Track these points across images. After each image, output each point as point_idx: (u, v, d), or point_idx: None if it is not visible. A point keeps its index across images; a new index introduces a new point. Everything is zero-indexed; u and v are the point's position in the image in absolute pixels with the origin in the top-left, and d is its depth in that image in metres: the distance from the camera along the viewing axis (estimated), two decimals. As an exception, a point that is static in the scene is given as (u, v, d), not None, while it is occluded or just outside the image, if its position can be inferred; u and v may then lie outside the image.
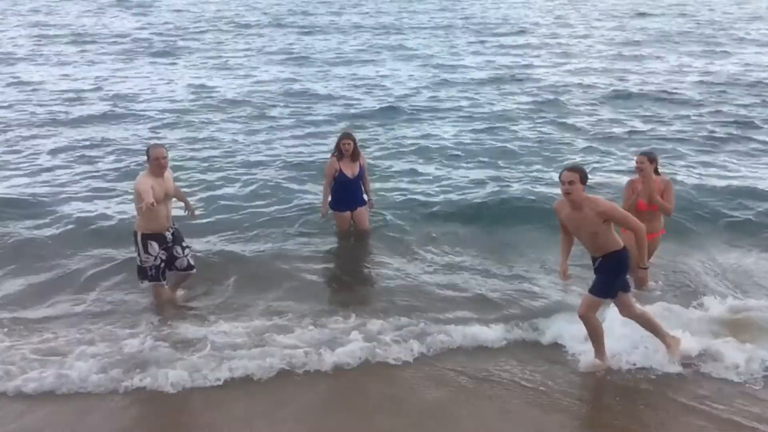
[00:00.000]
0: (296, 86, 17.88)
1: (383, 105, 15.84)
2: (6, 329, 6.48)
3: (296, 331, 6.45)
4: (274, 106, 15.83)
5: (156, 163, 6.63)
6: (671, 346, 5.94)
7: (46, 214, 9.32)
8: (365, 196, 8.69)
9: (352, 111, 15.44)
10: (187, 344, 6.21)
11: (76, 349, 6.11)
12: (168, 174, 6.81)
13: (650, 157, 6.97)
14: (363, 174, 8.53)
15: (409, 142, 12.99)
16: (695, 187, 10.07)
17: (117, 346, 6.15)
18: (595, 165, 11.39)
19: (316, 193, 9.87)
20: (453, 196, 10.03)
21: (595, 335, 5.89)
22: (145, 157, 6.79)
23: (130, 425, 5.32)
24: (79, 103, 15.89)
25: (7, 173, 11.14)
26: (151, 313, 6.86)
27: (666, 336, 5.98)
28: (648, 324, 5.96)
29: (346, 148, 8.28)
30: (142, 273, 6.89)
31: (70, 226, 8.92)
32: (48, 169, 11.34)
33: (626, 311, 5.94)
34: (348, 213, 8.58)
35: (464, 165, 11.65)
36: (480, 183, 10.62)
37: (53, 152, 12.29)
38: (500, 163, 11.70)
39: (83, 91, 17.29)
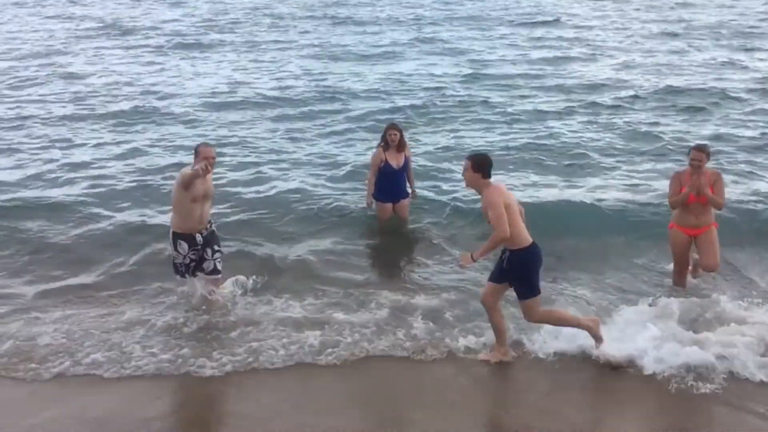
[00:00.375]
0: (328, 81, 17.89)
1: (416, 101, 15.76)
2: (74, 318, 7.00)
3: (341, 316, 6.89)
4: (307, 100, 15.90)
5: (204, 162, 6.72)
6: (592, 329, 6.11)
7: (89, 213, 9.66)
8: (408, 189, 8.87)
9: (387, 106, 15.38)
10: (226, 331, 6.73)
11: (129, 336, 6.65)
12: (209, 176, 6.95)
13: (707, 152, 6.91)
14: (408, 165, 8.75)
15: (444, 141, 12.82)
16: (746, 192, 9.84)
17: (165, 333, 6.71)
18: (639, 167, 11.19)
19: (347, 188, 10.31)
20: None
21: (558, 321, 6.15)
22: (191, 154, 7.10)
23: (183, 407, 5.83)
24: (113, 99, 16.15)
25: (48, 167, 11.39)
26: (191, 304, 7.18)
27: (581, 322, 6.16)
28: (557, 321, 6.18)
29: (393, 139, 8.47)
30: (174, 268, 7.18)
31: (111, 225, 9.28)
32: (87, 165, 11.66)
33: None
34: (390, 204, 8.74)
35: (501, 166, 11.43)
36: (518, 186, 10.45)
37: (90, 147, 12.59)
38: (538, 164, 11.55)
39: (118, 84, 17.61)
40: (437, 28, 26.98)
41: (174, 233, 6.99)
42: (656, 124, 13.75)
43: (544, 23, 27.38)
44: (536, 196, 9.93)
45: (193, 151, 7.04)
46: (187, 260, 7.04)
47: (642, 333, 6.23)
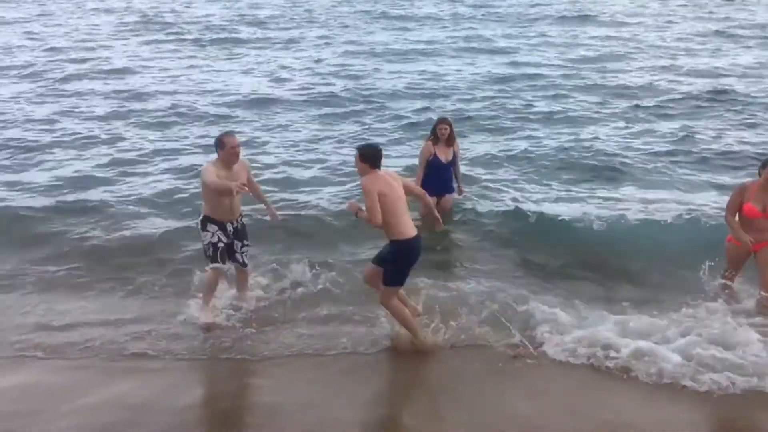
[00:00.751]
0: (366, 79, 17.92)
1: (452, 102, 15.64)
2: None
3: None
4: (344, 98, 15.95)
5: (230, 152, 6.70)
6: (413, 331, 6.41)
7: (131, 212, 9.81)
8: (455, 184, 9.02)
9: (420, 106, 15.22)
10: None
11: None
12: (239, 167, 6.86)
13: None
14: (456, 160, 8.86)
15: (484, 148, 12.47)
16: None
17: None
18: (687, 176, 10.83)
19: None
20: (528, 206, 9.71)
21: (401, 319, 6.34)
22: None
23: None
24: (152, 96, 16.38)
25: (89, 165, 11.63)
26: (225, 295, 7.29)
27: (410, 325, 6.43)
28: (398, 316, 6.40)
29: (443, 133, 8.62)
30: (207, 251, 6.93)
31: (153, 222, 9.46)
32: (127, 162, 11.90)
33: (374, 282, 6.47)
34: (435, 198, 8.72)
35: (536, 171, 11.22)
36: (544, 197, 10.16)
37: (129, 145, 12.81)
38: (579, 172, 11.16)
39: (157, 81, 17.90)
40: (475, 25, 26.85)
41: (205, 216, 6.87)
42: (702, 130, 13.11)
43: (583, 20, 27.09)
44: (581, 208, 9.56)
45: (215, 142, 6.82)
46: (215, 238, 6.83)
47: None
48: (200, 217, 6.96)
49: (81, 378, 6.07)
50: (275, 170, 11.31)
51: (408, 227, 6.14)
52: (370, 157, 6.14)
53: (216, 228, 6.86)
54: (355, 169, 6.33)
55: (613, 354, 6.12)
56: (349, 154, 12.05)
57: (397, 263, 6.20)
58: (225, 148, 6.68)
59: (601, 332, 6.38)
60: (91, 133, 13.46)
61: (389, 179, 6.18)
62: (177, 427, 5.45)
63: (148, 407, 5.63)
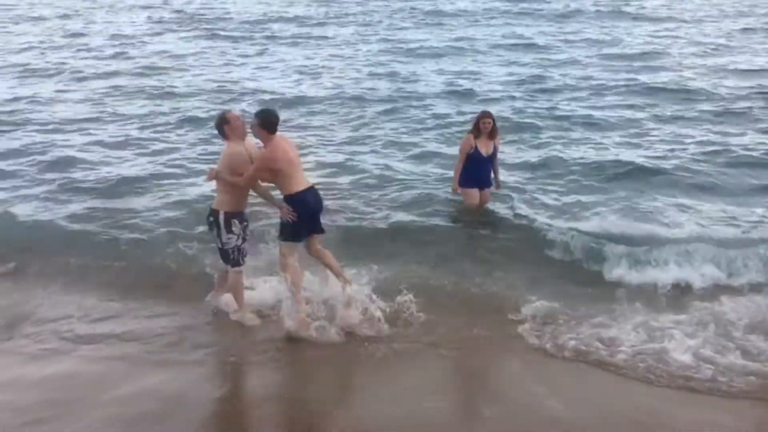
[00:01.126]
0: (402, 78, 17.78)
1: (488, 103, 15.05)
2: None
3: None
4: (381, 97, 15.87)
5: (237, 124, 6.63)
6: (347, 284, 6.66)
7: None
8: (492, 178, 9.09)
9: (452, 110, 14.86)
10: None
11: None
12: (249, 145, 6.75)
13: None
14: (495, 154, 8.94)
15: (521, 151, 12.02)
16: None
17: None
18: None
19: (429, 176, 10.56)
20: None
21: (296, 279, 6.54)
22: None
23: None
24: (187, 96, 16.40)
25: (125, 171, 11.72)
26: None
27: (341, 275, 6.72)
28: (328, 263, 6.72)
29: (485, 126, 8.71)
30: (225, 256, 6.79)
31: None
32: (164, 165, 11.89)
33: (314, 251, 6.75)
34: (477, 190, 8.89)
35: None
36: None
37: (163, 147, 12.83)
38: (632, 184, 10.44)
39: (196, 80, 17.98)
40: (510, 20, 26.63)
41: (226, 213, 6.62)
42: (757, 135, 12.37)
43: (620, 15, 26.64)
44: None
45: (218, 123, 6.68)
46: (240, 240, 6.68)
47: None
48: (221, 214, 6.63)
49: (115, 369, 6.20)
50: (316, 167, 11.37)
51: (301, 182, 6.53)
52: (268, 122, 6.42)
53: (239, 224, 6.67)
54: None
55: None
56: (389, 155, 12.11)
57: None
58: (231, 123, 6.62)
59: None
60: (127, 134, 13.58)
61: (284, 142, 6.53)
62: (209, 419, 5.57)
63: (181, 399, 5.73)
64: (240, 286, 6.92)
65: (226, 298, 7.02)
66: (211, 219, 6.71)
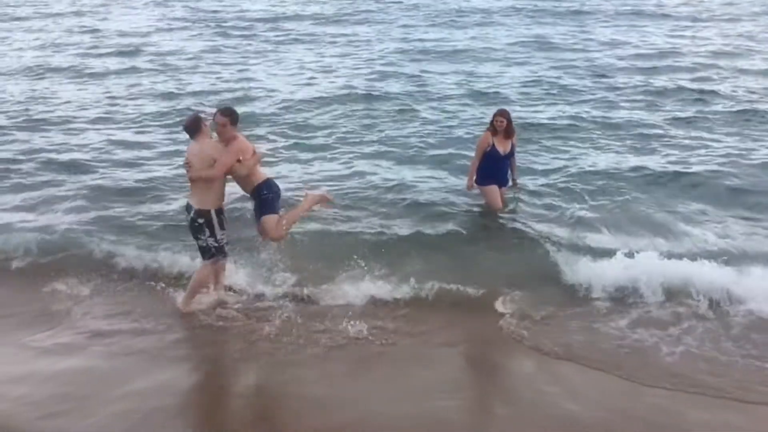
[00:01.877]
0: (420, 80, 17.64)
1: (509, 107, 14.93)
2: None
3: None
4: (398, 98, 15.76)
5: (206, 124, 7.01)
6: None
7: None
8: (509, 177, 9.18)
9: (469, 114, 14.60)
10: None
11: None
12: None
13: None
14: (513, 152, 8.98)
15: (544, 160, 11.63)
16: None
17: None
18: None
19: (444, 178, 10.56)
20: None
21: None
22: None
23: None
24: (202, 96, 16.37)
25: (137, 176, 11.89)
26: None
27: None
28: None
29: (499, 124, 8.78)
30: (211, 252, 7.03)
31: None
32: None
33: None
34: (496, 186, 8.99)
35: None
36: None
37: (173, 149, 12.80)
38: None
39: (208, 79, 18.07)
40: (527, 20, 26.46)
41: (217, 211, 6.91)
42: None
43: (639, 15, 26.45)
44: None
45: (193, 124, 7.01)
46: (225, 239, 7.08)
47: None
48: (212, 213, 6.87)
49: (129, 365, 6.35)
50: (333, 168, 11.44)
51: (262, 173, 7.23)
52: (238, 119, 6.91)
53: (223, 221, 7.03)
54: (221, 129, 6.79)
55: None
56: (399, 156, 12.07)
57: (274, 195, 7.14)
58: (203, 123, 7.03)
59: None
60: (140, 134, 13.66)
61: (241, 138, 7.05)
62: (221, 415, 5.68)
63: (193, 395, 5.88)
64: (206, 279, 7.22)
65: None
66: (201, 220, 6.86)
